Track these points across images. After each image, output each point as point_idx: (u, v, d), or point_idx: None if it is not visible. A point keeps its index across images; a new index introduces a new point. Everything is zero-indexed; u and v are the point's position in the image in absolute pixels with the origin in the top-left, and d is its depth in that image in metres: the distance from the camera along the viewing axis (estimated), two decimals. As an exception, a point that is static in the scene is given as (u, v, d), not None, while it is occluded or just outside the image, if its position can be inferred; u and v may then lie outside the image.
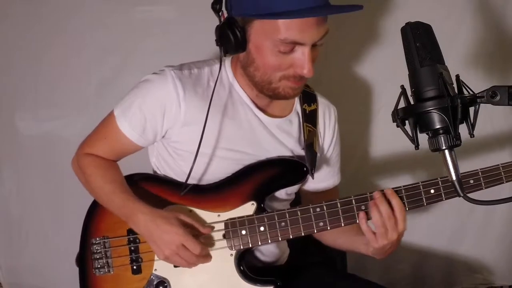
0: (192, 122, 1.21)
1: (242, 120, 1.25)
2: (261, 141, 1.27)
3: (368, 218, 1.17)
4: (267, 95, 1.20)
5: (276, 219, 1.21)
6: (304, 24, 1.05)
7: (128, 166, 1.33)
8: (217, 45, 1.15)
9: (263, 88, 1.18)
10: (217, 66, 1.26)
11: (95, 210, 1.29)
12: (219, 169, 1.25)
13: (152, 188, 1.28)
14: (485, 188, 1.18)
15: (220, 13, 1.12)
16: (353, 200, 1.19)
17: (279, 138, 1.28)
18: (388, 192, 1.16)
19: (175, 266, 1.21)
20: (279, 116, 1.29)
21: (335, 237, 1.34)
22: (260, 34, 1.09)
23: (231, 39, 1.10)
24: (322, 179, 1.39)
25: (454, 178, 0.86)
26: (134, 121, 1.23)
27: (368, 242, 1.17)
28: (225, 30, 1.11)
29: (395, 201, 1.14)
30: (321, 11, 1.07)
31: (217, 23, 1.14)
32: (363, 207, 1.18)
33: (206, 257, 1.19)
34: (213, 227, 1.22)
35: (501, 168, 1.18)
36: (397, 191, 1.17)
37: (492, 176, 1.18)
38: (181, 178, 1.25)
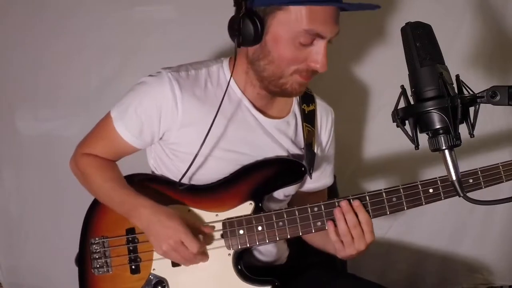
0: (190, 124, 1.21)
1: (240, 121, 1.25)
2: (259, 142, 1.27)
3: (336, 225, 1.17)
4: (272, 91, 1.20)
5: (274, 218, 1.21)
6: (327, 17, 1.09)
7: (126, 167, 1.32)
8: (232, 36, 1.14)
9: (270, 83, 1.18)
10: (214, 67, 1.26)
11: (94, 210, 1.29)
12: (217, 169, 1.25)
13: (151, 188, 1.28)
14: (485, 187, 1.18)
15: (242, 4, 1.11)
16: (351, 200, 1.18)
17: (277, 139, 1.28)
18: (355, 204, 1.16)
19: (173, 265, 1.22)
20: (277, 117, 1.29)
21: (312, 236, 1.34)
22: (282, 24, 1.10)
23: (251, 30, 1.10)
24: (315, 180, 1.38)
25: (454, 178, 0.86)
26: (130, 124, 1.23)
27: (336, 250, 1.19)
28: (245, 21, 1.10)
29: (362, 215, 1.15)
30: (345, 4, 1.11)
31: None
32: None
33: (204, 256, 1.19)
34: (211, 227, 1.22)
35: (500, 167, 1.18)
36: (395, 190, 1.18)
37: (492, 175, 1.18)
38: (179, 179, 1.25)
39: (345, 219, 1.15)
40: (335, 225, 1.17)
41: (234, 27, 1.12)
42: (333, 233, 1.16)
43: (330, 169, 1.43)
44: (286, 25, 1.09)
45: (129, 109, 1.22)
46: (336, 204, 1.19)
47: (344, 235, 1.15)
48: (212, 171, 1.25)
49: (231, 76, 1.22)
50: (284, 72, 1.15)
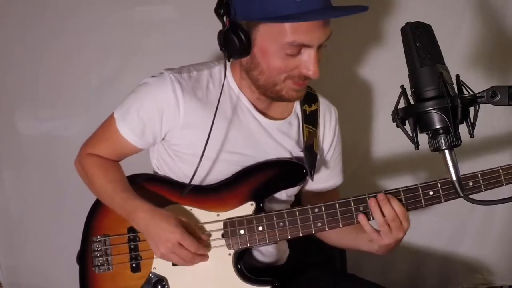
0: (191, 125, 1.21)
1: (242, 123, 1.25)
2: (261, 144, 1.27)
3: (368, 218, 1.17)
4: (270, 97, 1.20)
5: (275, 219, 1.21)
6: (311, 26, 1.06)
7: (129, 167, 1.33)
8: (221, 50, 1.14)
9: (267, 91, 1.18)
10: (216, 68, 1.26)
11: (97, 209, 1.30)
12: (219, 171, 1.26)
13: (153, 188, 1.28)
14: (485, 190, 1.17)
15: (224, 18, 1.11)
16: (352, 202, 1.19)
17: (278, 140, 1.28)
18: (388, 196, 1.16)
19: (173, 264, 1.22)
20: (278, 118, 1.29)
21: (339, 237, 1.34)
22: (266, 38, 1.09)
23: (236, 44, 1.10)
24: (323, 180, 1.39)
25: (454, 178, 0.86)
26: (133, 125, 1.23)
27: (373, 241, 1.18)
28: (229, 35, 1.10)
29: (396, 204, 1.15)
30: (328, 13, 1.08)
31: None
32: (361, 209, 1.18)
33: (203, 256, 1.19)
34: (212, 227, 1.22)
35: (500, 170, 1.18)
36: (396, 192, 1.18)
37: (492, 179, 1.17)
38: (181, 180, 1.26)
39: (382, 211, 1.14)
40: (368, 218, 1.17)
41: (221, 41, 1.13)
42: (367, 225, 1.16)
43: (339, 168, 1.42)
44: (270, 38, 1.09)
45: (131, 110, 1.22)
46: (337, 205, 1.19)
47: (382, 225, 1.14)
48: (215, 173, 1.26)
49: (224, 78, 1.22)
50: (277, 81, 1.14)
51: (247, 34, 1.10)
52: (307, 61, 1.10)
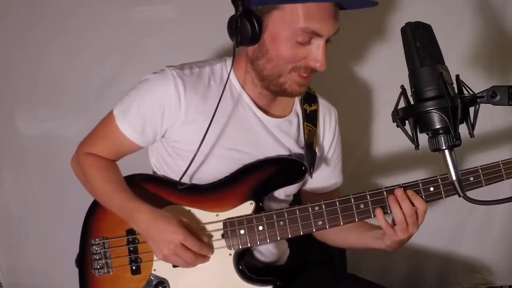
0: (192, 122, 1.21)
1: (242, 120, 1.25)
2: (260, 141, 1.27)
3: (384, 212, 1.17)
4: (273, 91, 1.20)
5: (275, 218, 1.21)
6: (323, 15, 1.08)
7: (128, 167, 1.32)
8: (230, 36, 1.15)
9: (270, 83, 1.18)
10: (218, 65, 1.26)
11: (94, 211, 1.29)
12: (218, 168, 1.25)
13: (151, 188, 1.28)
14: (485, 185, 1.18)
15: (239, 3, 1.12)
16: (352, 199, 1.19)
17: (278, 138, 1.28)
18: (409, 193, 1.16)
19: (174, 266, 1.21)
20: (279, 116, 1.29)
21: (343, 237, 1.34)
22: (279, 23, 1.10)
23: (248, 30, 1.11)
24: (323, 180, 1.39)
25: (454, 178, 0.86)
26: (133, 122, 1.23)
27: (386, 237, 1.18)
28: (242, 21, 1.11)
29: (418, 202, 1.15)
30: (341, 1, 1.10)
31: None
32: (362, 206, 1.18)
33: (205, 257, 1.19)
34: (211, 227, 1.22)
35: (501, 164, 1.18)
36: (396, 188, 1.17)
37: (492, 173, 1.17)
38: (179, 178, 1.25)
39: (401, 207, 1.14)
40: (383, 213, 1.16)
41: (232, 27, 1.13)
42: (383, 220, 1.16)
43: (339, 169, 1.43)
44: (283, 24, 1.10)
45: (132, 106, 1.22)
46: (337, 203, 1.19)
47: (401, 222, 1.14)
48: (214, 170, 1.26)
49: (229, 72, 1.22)
50: (282, 71, 1.15)
51: (259, 20, 1.11)
52: (316, 52, 1.11)
